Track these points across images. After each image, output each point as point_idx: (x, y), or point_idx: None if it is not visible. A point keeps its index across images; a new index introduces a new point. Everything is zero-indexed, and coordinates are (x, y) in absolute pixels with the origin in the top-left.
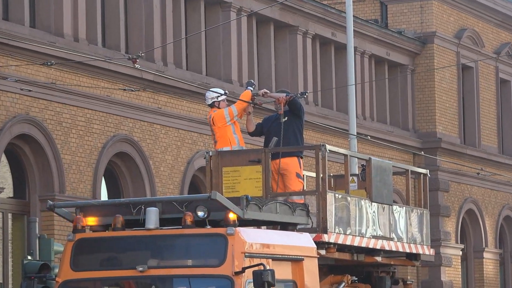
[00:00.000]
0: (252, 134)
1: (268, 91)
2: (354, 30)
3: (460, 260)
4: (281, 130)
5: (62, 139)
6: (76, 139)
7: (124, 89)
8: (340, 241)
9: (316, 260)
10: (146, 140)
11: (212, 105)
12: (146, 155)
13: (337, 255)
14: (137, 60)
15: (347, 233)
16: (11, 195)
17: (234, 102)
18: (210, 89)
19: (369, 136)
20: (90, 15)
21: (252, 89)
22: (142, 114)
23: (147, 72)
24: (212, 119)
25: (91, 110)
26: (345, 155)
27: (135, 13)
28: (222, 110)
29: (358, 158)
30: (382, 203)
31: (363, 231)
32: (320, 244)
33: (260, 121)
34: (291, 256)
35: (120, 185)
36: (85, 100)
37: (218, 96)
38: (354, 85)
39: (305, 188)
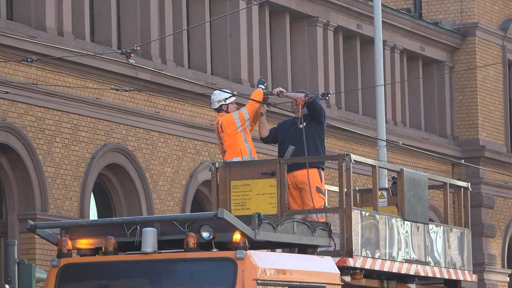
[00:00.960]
0: (265, 140)
1: (284, 90)
2: (382, 21)
3: None
4: (301, 137)
5: (44, 149)
6: (61, 148)
7: (117, 89)
8: (367, 266)
9: None
10: (141, 149)
11: (219, 109)
12: (142, 167)
13: (364, 282)
14: (131, 55)
15: (376, 257)
16: None
17: (245, 105)
18: (217, 90)
19: (401, 143)
20: (76, 5)
21: (264, 87)
22: (137, 119)
23: (142, 71)
24: (221, 125)
25: (78, 115)
26: (373, 166)
27: (128, 2)
28: (231, 114)
29: (388, 169)
30: (416, 222)
31: (394, 254)
32: (344, 270)
33: (275, 126)
34: (310, 284)
35: (112, 202)
36: (71, 103)
37: (226, 99)
38: (383, 86)
39: (326, 204)
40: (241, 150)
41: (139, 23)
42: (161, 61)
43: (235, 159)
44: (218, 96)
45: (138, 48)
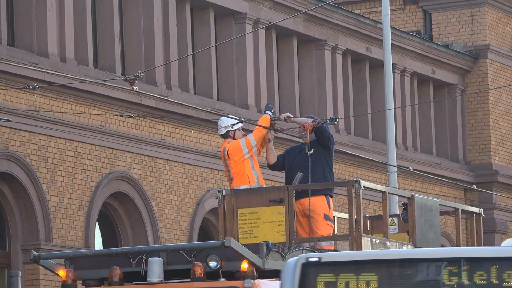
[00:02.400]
0: (272, 166)
1: (292, 115)
2: (392, 43)
3: None
4: (307, 164)
5: (48, 178)
6: (65, 177)
7: (121, 116)
8: None
9: None
10: (147, 177)
11: (226, 136)
12: (148, 195)
13: None
14: (136, 82)
15: None
16: None
17: (252, 131)
18: (223, 116)
19: (412, 169)
20: (79, 30)
21: (271, 113)
22: (142, 146)
23: (147, 97)
24: (227, 152)
25: (82, 143)
26: (383, 192)
27: (132, 28)
28: (238, 141)
29: (398, 195)
30: None
31: None
32: None
33: (282, 152)
34: None
35: (118, 232)
36: (74, 131)
37: (233, 124)
38: (393, 109)
39: (336, 232)
40: (249, 177)
41: (143, 48)
42: (166, 87)
43: (242, 187)
44: (225, 122)
45: (142, 74)
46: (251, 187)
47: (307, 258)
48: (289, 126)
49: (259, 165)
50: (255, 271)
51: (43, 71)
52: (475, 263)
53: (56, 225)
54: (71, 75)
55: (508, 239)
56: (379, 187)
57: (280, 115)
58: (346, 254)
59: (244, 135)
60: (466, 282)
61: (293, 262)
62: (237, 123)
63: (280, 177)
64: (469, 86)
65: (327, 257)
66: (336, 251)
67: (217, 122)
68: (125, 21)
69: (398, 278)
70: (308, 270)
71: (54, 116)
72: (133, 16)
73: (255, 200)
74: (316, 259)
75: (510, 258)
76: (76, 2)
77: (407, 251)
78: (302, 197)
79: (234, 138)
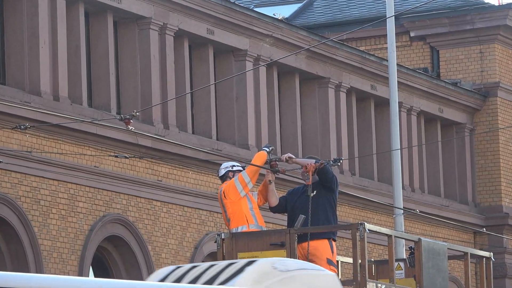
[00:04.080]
0: (274, 209)
1: (293, 156)
2: (398, 81)
3: None
4: (309, 206)
5: (40, 221)
6: (58, 220)
7: (116, 157)
8: None
9: None
10: (143, 220)
11: (224, 177)
12: (144, 238)
13: None
14: (131, 121)
15: None
16: None
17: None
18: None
19: (419, 211)
20: (72, 68)
21: (268, 150)
22: (138, 188)
23: (143, 137)
24: (223, 192)
25: (76, 185)
26: (389, 236)
27: (128, 65)
28: (232, 180)
29: (405, 239)
30: None
31: None
32: None
33: (284, 195)
34: None
35: (113, 276)
36: (67, 172)
37: (234, 165)
38: (399, 150)
39: (339, 277)
40: (247, 217)
41: (139, 86)
42: (163, 126)
43: (240, 228)
44: (227, 164)
45: (138, 113)
46: (250, 227)
47: None
48: (291, 167)
49: (259, 207)
50: None
51: (35, 110)
52: None
53: (49, 270)
54: (64, 114)
55: None
56: (384, 230)
57: (281, 155)
58: None
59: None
60: None
61: None
62: (237, 166)
63: (281, 219)
64: (479, 125)
65: None
66: None
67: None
68: (121, 58)
69: None
70: None
71: (46, 157)
72: (129, 53)
73: (255, 243)
74: None
75: None
76: (70, 38)
77: None
78: (304, 241)
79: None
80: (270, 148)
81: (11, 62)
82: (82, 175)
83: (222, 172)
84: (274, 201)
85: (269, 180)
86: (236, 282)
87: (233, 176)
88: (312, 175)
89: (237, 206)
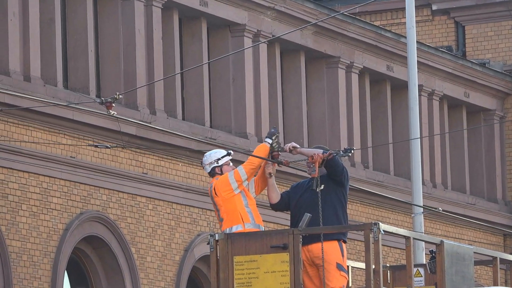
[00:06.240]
0: (275, 206)
1: (298, 146)
2: (418, 61)
3: None
4: (316, 202)
5: (8, 219)
6: (28, 218)
7: (96, 146)
8: None
9: None
10: (126, 218)
11: (212, 173)
12: (127, 239)
13: None
14: (113, 105)
15: None
16: None
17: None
18: (208, 152)
19: (441, 209)
20: (46, 44)
21: (271, 141)
22: (120, 182)
23: (127, 123)
24: (214, 189)
25: (49, 178)
26: (407, 238)
27: (109, 42)
28: (225, 175)
29: (425, 241)
30: None
31: None
32: None
33: (287, 189)
34: None
35: (90, 282)
36: (40, 163)
37: (219, 159)
38: (419, 139)
39: (350, 284)
40: (242, 216)
41: (122, 65)
42: (149, 111)
43: (235, 228)
44: (209, 158)
45: (120, 96)
46: (246, 227)
47: None
48: (295, 158)
49: (257, 203)
50: None
51: (4, 92)
52: None
53: (17, 275)
54: (36, 97)
55: None
56: (402, 231)
57: (284, 145)
58: None
59: (234, 169)
60: None
61: None
62: (222, 157)
63: (284, 218)
64: (510, 112)
65: None
66: None
67: (202, 160)
68: (101, 33)
69: None
70: None
71: (15, 146)
72: (111, 27)
73: (254, 246)
74: None
75: None
76: (43, 10)
77: None
78: (310, 243)
79: (222, 175)
80: (274, 136)
81: None
82: (56, 167)
83: (207, 169)
84: (275, 197)
85: (269, 173)
86: None
87: (221, 170)
88: (319, 167)
89: (230, 204)
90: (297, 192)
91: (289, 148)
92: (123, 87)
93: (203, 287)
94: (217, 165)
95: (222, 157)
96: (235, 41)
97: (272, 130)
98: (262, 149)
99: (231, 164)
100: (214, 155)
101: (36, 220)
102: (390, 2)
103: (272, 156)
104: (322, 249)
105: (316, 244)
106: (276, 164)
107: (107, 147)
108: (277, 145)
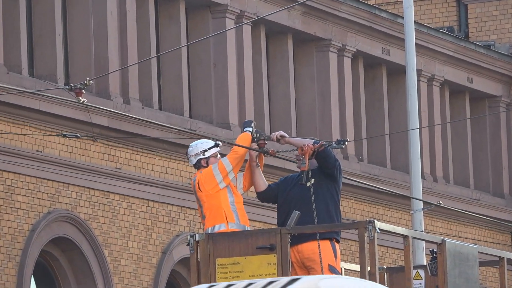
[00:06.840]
0: (261, 195)
1: (286, 135)
2: (416, 44)
3: None
4: (306, 198)
5: None
6: None
7: (65, 136)
8: None
9: None
10: (98, 218)
11: (198, 166)
12: (99, 241)
13: None
14: (83, 92)
15: None
16: None
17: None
18: (194, 142)
19: (442, 203)
20: (9, 28)
21: (251, 129)
22: (91, 178)
23: (98, 113)
24: (198, 183)
25: (13, 174)
26: (405, 237)
27: (78, 24)
28: (209, 168)
29: (425, 241)
30: None
31: None
32: None
33: (276, 181)
34: None
35: None
36: (3, 158)
37: (205, 150)
38: (418, 129)
39: None
40: (226, 214)
41: (92, 50)
42: (122, 100)
43: (217, 227)
44: (195, 149)
45: (91, 82)
46: (230, 226)
47: None
48: (283, 148)
49: (245, 201)
50: None
51: None
52: None
53: None
54: None
55: None
56: (399, 229)
57: (271, 133)
58: None
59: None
60: None
61: None
62: (210, 149)
63: (270, 217)
64: None
65: None
66: None
67: (187, 150)
68: (70, 15)
69: None
70: None
71: None
72: (80, 8)
73: (238, 247)
74: None
75: None
76: None
77: None
78: (299, 243)
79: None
80: (252, 124)
81: None
82: (21, 162)
83: (193, 160)
84: (262, 184)
85: (256, 164)
86: None
87: (207, 163)
88: (309, 159)
89: (214, 200)
90: (286, 186)
91: (276, 137)
92: (94, 74)
93: None
94: (203, 157)
95: (209, 148)
96: (216, 23)
97: (249, 120)
98: (244, 138)
99: (218, 156)
100: (201, 146)
101: None
102: None
103: (258, 145)
104: (319, 248)
105: (306, 243)
106: (263, 157)
107: (77, 137)
108: (257, 133)
